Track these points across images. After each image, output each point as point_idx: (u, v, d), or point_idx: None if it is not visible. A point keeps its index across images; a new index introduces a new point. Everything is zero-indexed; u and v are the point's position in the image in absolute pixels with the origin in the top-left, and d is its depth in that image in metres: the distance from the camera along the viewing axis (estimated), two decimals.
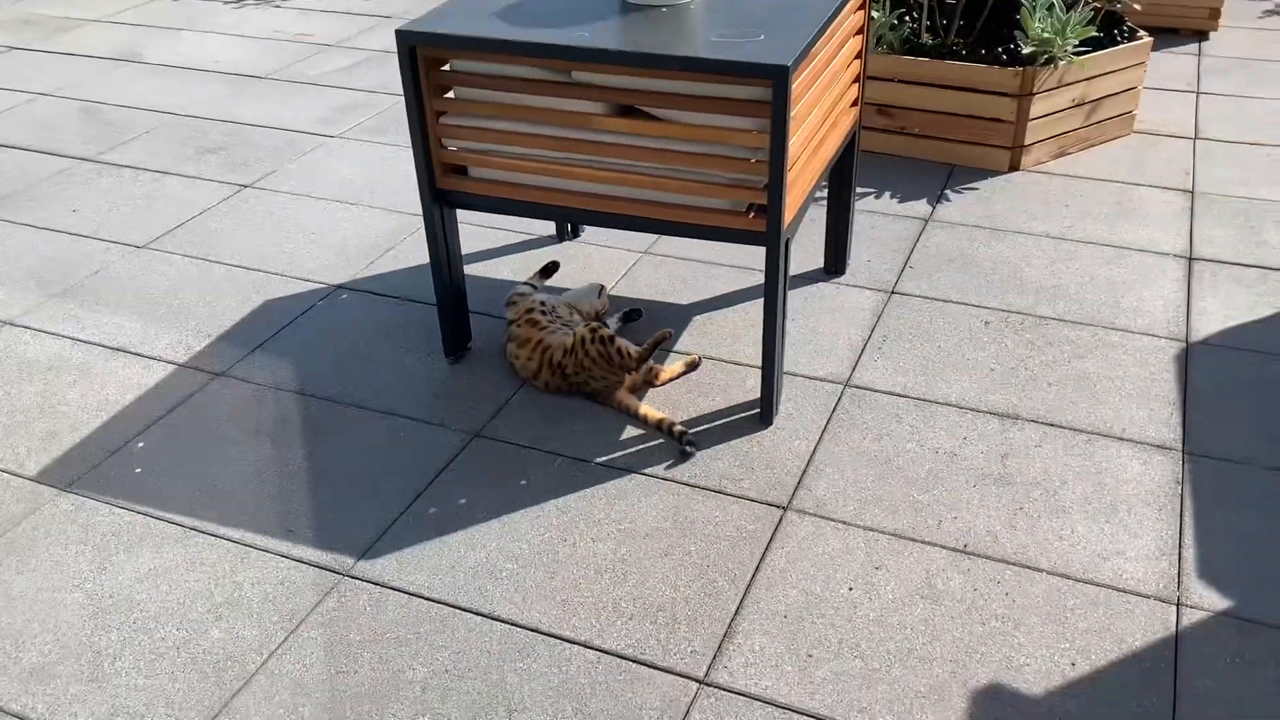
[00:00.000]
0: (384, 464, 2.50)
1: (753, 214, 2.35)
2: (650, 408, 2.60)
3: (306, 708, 1.93)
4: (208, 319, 3.10)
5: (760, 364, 2.76)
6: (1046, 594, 2.10)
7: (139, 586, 2.20)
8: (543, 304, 2.79)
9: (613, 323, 2.90)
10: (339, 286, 3.23)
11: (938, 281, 3.12)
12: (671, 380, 2.73)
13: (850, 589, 2.13)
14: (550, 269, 2.99)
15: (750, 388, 2.70)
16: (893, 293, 3.08)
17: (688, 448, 2.48)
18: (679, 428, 2.52)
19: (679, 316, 3.00)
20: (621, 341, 2.63)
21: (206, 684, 1.99)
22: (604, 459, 2.48)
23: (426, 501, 2.39)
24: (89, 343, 3.02)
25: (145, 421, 2.69)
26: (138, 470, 2.52)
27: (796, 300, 3.06)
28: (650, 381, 2.71)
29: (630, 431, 2.57)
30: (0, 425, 2.70)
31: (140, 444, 2.61)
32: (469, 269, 3.26)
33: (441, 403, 2.70)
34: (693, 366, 2.77)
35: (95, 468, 2.54)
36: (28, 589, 2.21)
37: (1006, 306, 2.99)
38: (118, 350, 2.98)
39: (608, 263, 3.28)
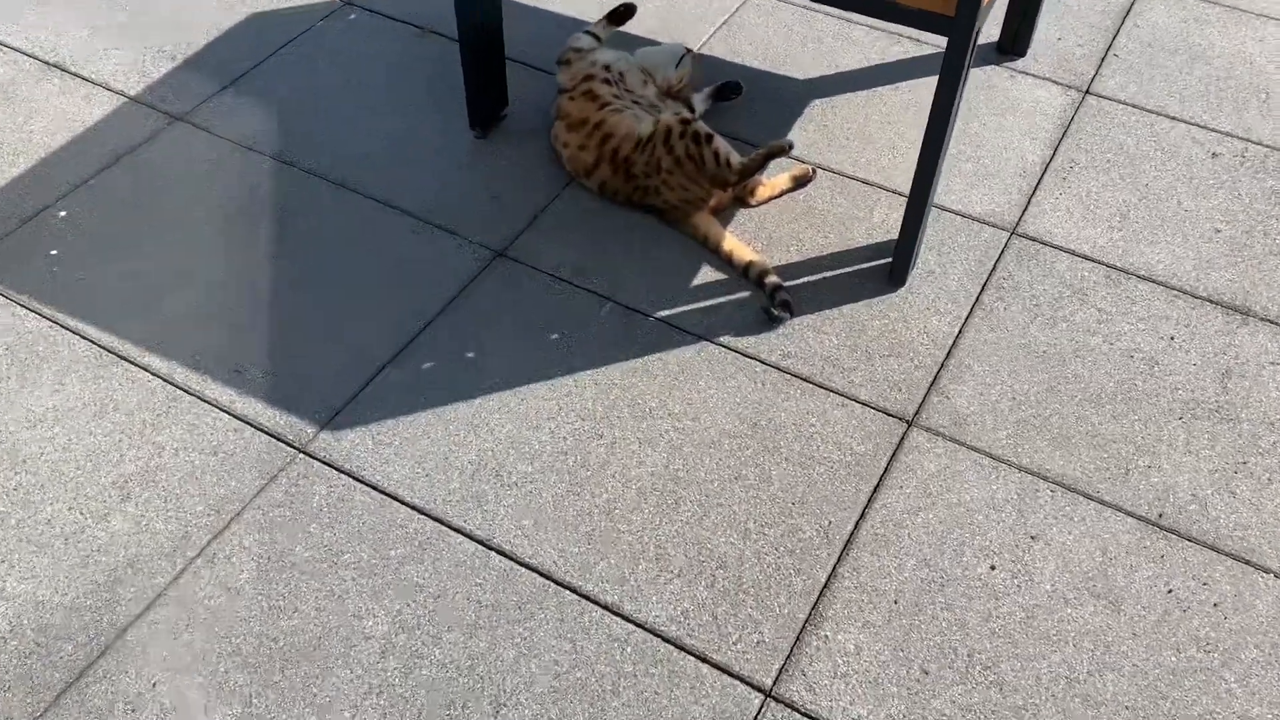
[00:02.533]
0: (371, 283, 1.86)
1: None
2: (738, 241, 1.89)
3: (221, 660, 1.41)
4: (175, 32, 2.36)
5: (904, 191, 2.00)
6: (1277, 609, 1.47)
7: (27, 434, 1.64)
8: (608, 67, 2.02)
9: (700, 100, 2.13)
10: (347, 1, 2.45)
11: (1151, 81, 2.26)
12: (772, 199, 2.00)
13: (993, 568, 1.51)
14: (622, 13, 2.17)
15: (879, 222, 1.96)
16: (1087, 92, 2.24)
17: (777, 310, 1.79)
18: (773, 279, 1.82)
19: (793, 97, 2.21)
20: (721, 142, 1.88)
21: (98, 598, 1.47)
22: (666, 313, 1.81)
23: (422, 349, 1.76)
24: (19, 51, 2.31)
25: (74, 180, 2.04)
26: (53, 253, 1.91)
27: None
28: (743, 199, 1.98)
29: (708, 272, 1.88)
30: None
31: (62, 212, 1.98)
32: None
33: (456, 198, 2.00)
34: (802, 182, 2.02)
35: (2, 240, 1.93)
36: None
37: (1244, 132, 2.15)
38: (52, 66, 2.28)
39: (702, 5, 2.43)
